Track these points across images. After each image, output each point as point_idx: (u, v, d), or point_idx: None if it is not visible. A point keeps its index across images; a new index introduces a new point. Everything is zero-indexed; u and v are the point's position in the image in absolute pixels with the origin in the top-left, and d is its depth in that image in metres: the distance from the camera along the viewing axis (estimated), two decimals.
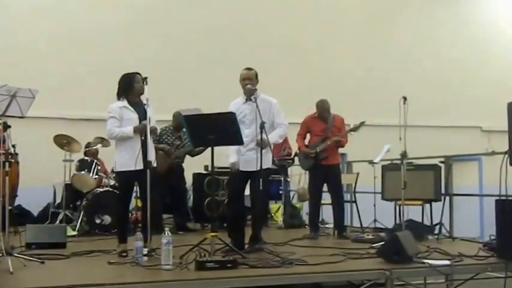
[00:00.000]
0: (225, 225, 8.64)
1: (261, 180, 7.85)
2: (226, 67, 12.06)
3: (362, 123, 10.49)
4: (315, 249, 8.75)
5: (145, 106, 7.87)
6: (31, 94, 7.05)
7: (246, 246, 8.23)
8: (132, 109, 7.97)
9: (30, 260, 7.16)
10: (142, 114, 7.89)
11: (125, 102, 8.02)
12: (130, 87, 8.03)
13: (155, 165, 8.08)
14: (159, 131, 8.77)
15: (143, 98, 7.99)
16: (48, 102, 12.13)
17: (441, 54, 18.47)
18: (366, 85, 17.31)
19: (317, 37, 17.23)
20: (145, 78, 7.88)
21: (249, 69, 8.43)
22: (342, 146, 10.61)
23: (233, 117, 7.61)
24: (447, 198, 10.72)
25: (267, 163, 8.25)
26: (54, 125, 13.53)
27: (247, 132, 8.10)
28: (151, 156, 7.88)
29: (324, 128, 10.49)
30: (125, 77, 8.13)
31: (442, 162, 10.88)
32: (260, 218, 8.53)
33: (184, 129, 9.80)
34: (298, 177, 12.86)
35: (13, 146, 10.20)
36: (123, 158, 7.97)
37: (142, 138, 7.85)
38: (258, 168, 7.99)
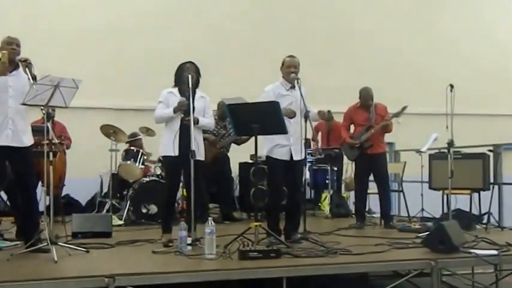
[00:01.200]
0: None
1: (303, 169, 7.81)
2: (268, 56, 11.95)
3: (404, 108, 10.32)
4: (360, 238, 8.62)
5: (200, 97, 8.03)
6: (74, 84, 7.03)
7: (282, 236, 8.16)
8: (178, 95, 7.97)
9: (75, 249, 7.18)
10: (189, 104, 7.83)
11: (174, 89, 8.06)
12: (179, 76, 8.04)
13: (201, 158, 8.02)
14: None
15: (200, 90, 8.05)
16: (94, 92, 12.27)
17: (489, 40, 18.17)
18: (412, 73, 17.14)
19: (363, 25, 17.11)
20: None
21: (293, 56, 8.32)
22: (389, 131, 10.49)
23: (277, 106, 7.53)
24: (496, 187, 10.57)
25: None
26: (101, 115, 13.57)
27: (292, 120, 8.00)
28: (198, 147, 7.88)
29: (367, 118, 10.41)
30: (179, 66, 8.13)
31: (490, 150, 10.73)
32: (300, 207, 8.43)
33: (228, 118, 9.77)
34: (345, 166, 12.74)
35: (60, 136, 10.30)
36: (163, 143, 8.07)
37: (187, 119, 7.79)
38: (302, 158, 7.99)
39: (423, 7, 17.86)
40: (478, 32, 18.17)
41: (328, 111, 8.28)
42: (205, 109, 8.15)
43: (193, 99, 7.89)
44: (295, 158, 8.15)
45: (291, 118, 7.94)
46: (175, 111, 7.87)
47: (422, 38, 17.64)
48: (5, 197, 8.84)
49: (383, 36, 17.22)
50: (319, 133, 12.89)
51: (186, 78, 7.87)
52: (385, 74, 16.36)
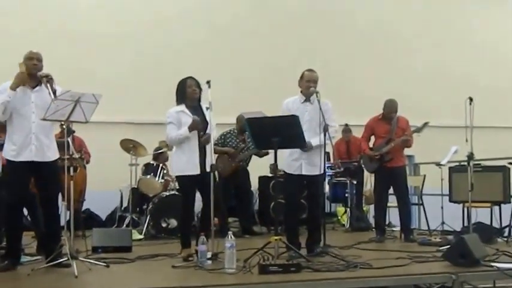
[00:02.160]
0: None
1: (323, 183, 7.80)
2: (288, 69, 11.95)
3: (426, 124, 10.27)
4: (380, 252, 8.59)
5: (207, 109, 7.95)
6: (95, 99, 7.05)
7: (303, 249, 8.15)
8: (189, 113, 7.95)
9: (95, 263, 7.20)
10: (201, 118, 7.92)
11: (182, 107, 8.03)
12: (183, 93, 8.05)
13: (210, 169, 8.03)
14: (216, 134, 8.69)
15: (205, 101, 8.01)
16: (114, 107, 12.29)
17: (505, 53, 18.09)
18: (432, 85, 17.06)
19: (383, 36, 17.15)
20: (208, 81, 7.80)
21: (312, 71, 8.29)
22: (409, 146, 10.45)
23: (297, 120, 7.55)
24: None
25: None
26: (120, 129, 13.69)
27: (307, 134, 7.97)
28: (210, 159, 7.89)
29: (388, 130, 10.38)
30: (179, 82, 8.16)
31: (510, 163, 10.65)
32: (320, 221, 8.43)
33: (247, 132, 9.78)
34: (365, 180, 12.71)
35: (80, 151, 10.35)
36: (181, 162, 7.99)
37: (202, 134, 7.87)
38: (320, 172, 8.04)
39: (446, 16, 17.82)
40: (501, 41, 18.07)
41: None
42: (211, 121, 8.12)
43: (203, 113, 7.99)
44: (311, 173, 8.15)
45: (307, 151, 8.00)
46: (190, 130, 7.88)
47: (445, 48, 17.58)
48: (25, 211, 8.88)
49: (401, 47, 17.22)
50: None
51: (192, 92, 8.01)
52: (405, 86, 16.27)
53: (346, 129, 13.44)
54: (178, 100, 8.11)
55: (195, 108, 8.04)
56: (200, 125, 7.87)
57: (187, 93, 8.00)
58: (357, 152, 12.71)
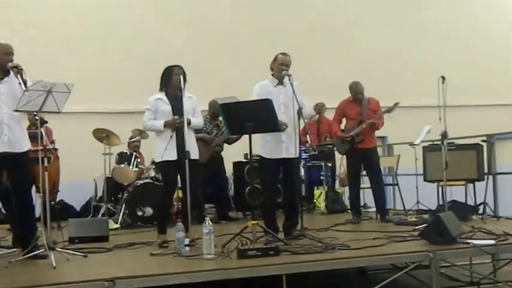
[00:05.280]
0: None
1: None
2: (258, 52, 11.92)
3: (396, 104, 10.27)
4: (357, 233, 8.62)
5: (188, 98, 7.99)
6: (67, 89, 6.99)
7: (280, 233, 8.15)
8: (167, 101, 7.98)
9: (73, 254, 7.17)
10: (178, 107, 7.91)
11: (161, 95, 8.05)
12: (168, 79, 8.04)
13: (196, 157, 8.05)
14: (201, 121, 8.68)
15: (187, 90, 8.02)
16: (86, 97, 12.21)
17: (479, 30, 18.13)
18: (403, 65, 17.10)
19: (348, 18, 17.16)
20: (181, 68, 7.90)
21: (286, 54, 8.25)
22: (377, 129, 10.47)
23: (270, 104, 7.50)
24: (490, 177, 10.58)
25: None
26: (93, 119, 13.57)
27: (284, 118, 7.98)
28: (191, 147, 7.88)
29: (359, 112, 10.37)
30: (165, 69, 8.13)
31: (483, 141, 10.74)
32: (298, 204, 8.45)
33: (220, 118, 9.75)
34: (339, 162, 12.73)
35: (52, 142, 10.27)
36: (159, 149, 7.99)
37: (173, 132, 7.89)
38: (296, 156, 8.07)
39: None
40: (467, 21, 18.11)
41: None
42: (194, 109, 8.15)
43: (182, 101, 7.93)
44: (288, 156, 8.14)
45: (282, 131, 7.95)
46: (166, 126, 7.91)
47: (411, 28, 17.62)
48: (0, 204, 8.80)
49: (370, 29, 17.23)
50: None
51: (177, 80, 7.89)
52: (374, 68, 16.29)
53: (318, 106, 13.11)
54: (161, 86, 8.13)
55: (176, 96, 8.00)
56: (178, 126, 7.87)
57: (173, 80, 7.97)
58: (325, 131, 12.74)
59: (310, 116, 8.74)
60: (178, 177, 8.22)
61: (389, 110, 10.35)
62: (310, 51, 15.77)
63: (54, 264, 6.48)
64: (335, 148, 11.42)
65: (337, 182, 13.36)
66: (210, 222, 6.94)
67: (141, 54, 14.49)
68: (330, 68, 16.16)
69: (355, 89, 10.39)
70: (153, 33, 15.31)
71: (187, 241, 7.41)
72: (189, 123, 7.87)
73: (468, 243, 7.11)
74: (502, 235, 7.59)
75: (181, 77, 7.89)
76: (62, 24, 14.64)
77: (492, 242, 7.18)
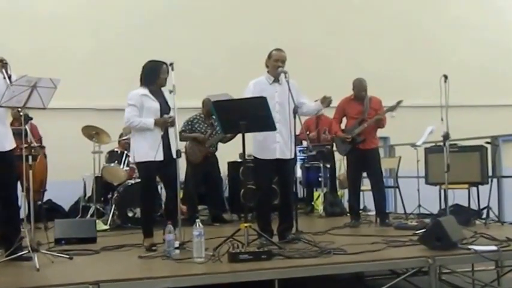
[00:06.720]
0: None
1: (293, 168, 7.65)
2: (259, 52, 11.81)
3: (399, 102, 10.08)
4: (355, 237, 8.49)
5: (172, 93, 7.66)
6: (52, 84, 6.81)
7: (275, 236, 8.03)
8: (153, 98, 7.71)
9: (58, 256, 7.00)
10: (164, 104, 7.73)
11: (146, 91, 7.74)
12: (155, 77, 7.76)
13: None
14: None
15: (169, 85, 7.72)
16: (75, 93, 12.09)
17: (481, 31, 17.98)
18: (405, 65, 16.96)
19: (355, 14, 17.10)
20: (172, 64, 7.62)
21: (281, 50, 8.08)
22: (382, 126, 10.25)
23: (265, 101, 7.27)
24: (495, 180, 10.42)
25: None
26: (82, 115, 13.49)
27: (279, 117, 7.80)
28: (175, 146, 7.69)
29: (361, 110, 10.17)
30: (151, 64, 7.86)
31: (488, 143, 10.55)
32: (292, 207, 8.28)
33: (214, 116, 9.54)
34: (339, 163, 12.54)
35: (39, 139, 10.08)
36: (142, 149, 7.68)
37: (162, 131, 7.68)
38: (292, 156, 7.94)
39: None
40: (475, 19, 17.99)
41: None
42: (174, 105, 7.84)
43: (165, 97, 7.81)
44: (283, 157, 7.98)
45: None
46: (156, 125, 7.65)
47: (416, 27, 17.53)
48: None
49: (373, 27, 17.15)
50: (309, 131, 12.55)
51: (164, 80, 7.75)
52: (376, 67, 16.05)
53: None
54: (145, 82, 7.81)
55: (158, 92, 7.80)
56: (169, 125, 7.70)
57: (160, 79, 7.74)
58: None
59: (317, 111, 8.57)
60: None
61: (391, 109, 10.17)
62: (312, 45, 15.84)
63: (38, 267, 6.33)
64: (335, 148, 11.25)
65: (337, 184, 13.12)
66: (200, 224, 6.75)
67: (133, 49, 14.32)
68: (330, 67, 15.99)
69: (359, 86, 10.17)
70: (144, 29, 15.26)
71: (177, 244, 7.21)
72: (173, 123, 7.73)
73: (469, 249, 6.93)
74: (504, 241, 7.39)
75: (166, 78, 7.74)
76: (50, 17, 14.62)
77: (494, 248, 6.98)
